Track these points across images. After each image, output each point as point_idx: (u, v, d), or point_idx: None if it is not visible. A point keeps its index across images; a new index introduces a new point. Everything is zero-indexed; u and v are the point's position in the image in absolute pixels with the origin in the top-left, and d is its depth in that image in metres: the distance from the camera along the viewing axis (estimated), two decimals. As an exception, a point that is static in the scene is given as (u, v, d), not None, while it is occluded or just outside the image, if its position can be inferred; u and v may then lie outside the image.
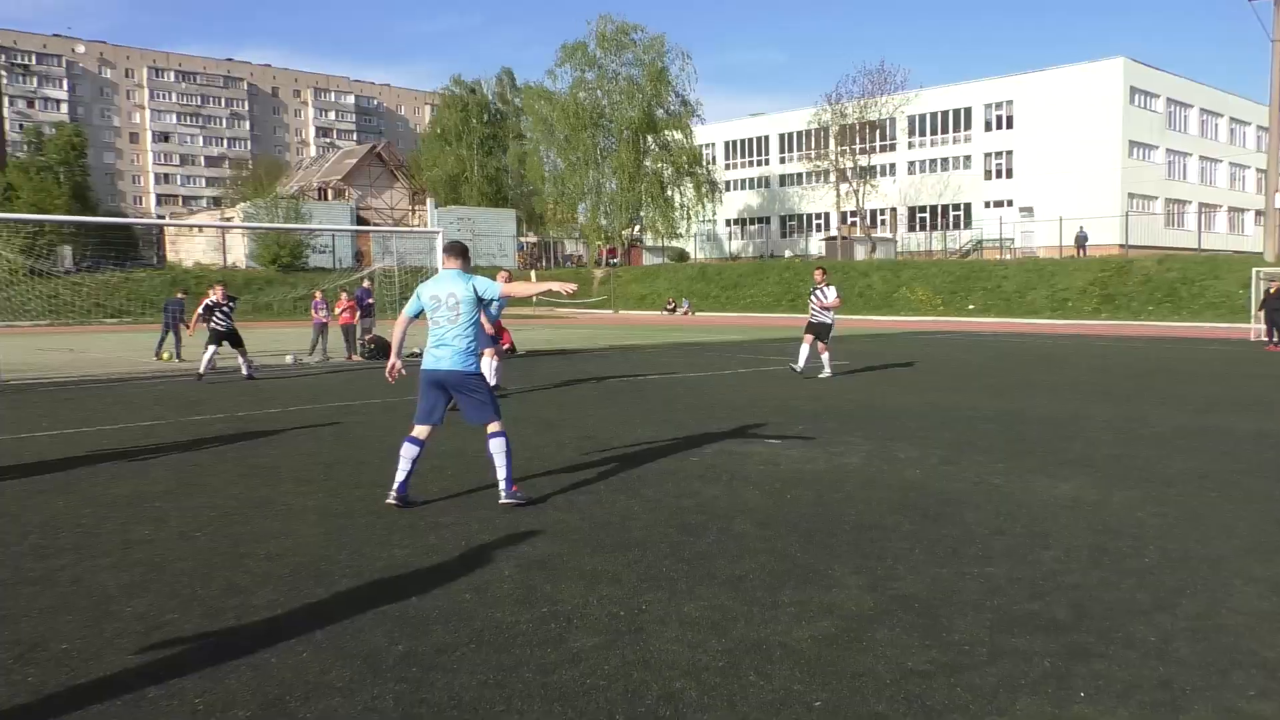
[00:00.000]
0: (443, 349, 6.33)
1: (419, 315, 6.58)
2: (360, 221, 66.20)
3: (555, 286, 6.87)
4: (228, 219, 65.74)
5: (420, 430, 6.46)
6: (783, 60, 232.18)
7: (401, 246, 33.68)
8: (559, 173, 66.41)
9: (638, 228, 69.23)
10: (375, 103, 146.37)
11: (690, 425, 10.10)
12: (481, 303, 6.39)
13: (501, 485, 6.38)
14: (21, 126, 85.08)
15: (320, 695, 3.48)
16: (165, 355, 20.08)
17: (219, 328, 15.91)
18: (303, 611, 4.38)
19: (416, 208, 74.03)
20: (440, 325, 6.35)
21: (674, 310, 50.82)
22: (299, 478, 7.45)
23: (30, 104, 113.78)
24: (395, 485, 6.36)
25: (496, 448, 6.35)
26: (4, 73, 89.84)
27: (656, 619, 4.23)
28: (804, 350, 15.20)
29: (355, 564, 5.13)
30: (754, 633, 4.06)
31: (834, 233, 63.24)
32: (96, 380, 15.75)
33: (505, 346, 18.24)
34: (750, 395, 12.98)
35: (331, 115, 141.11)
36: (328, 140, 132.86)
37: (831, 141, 61.41)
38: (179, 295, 21.27)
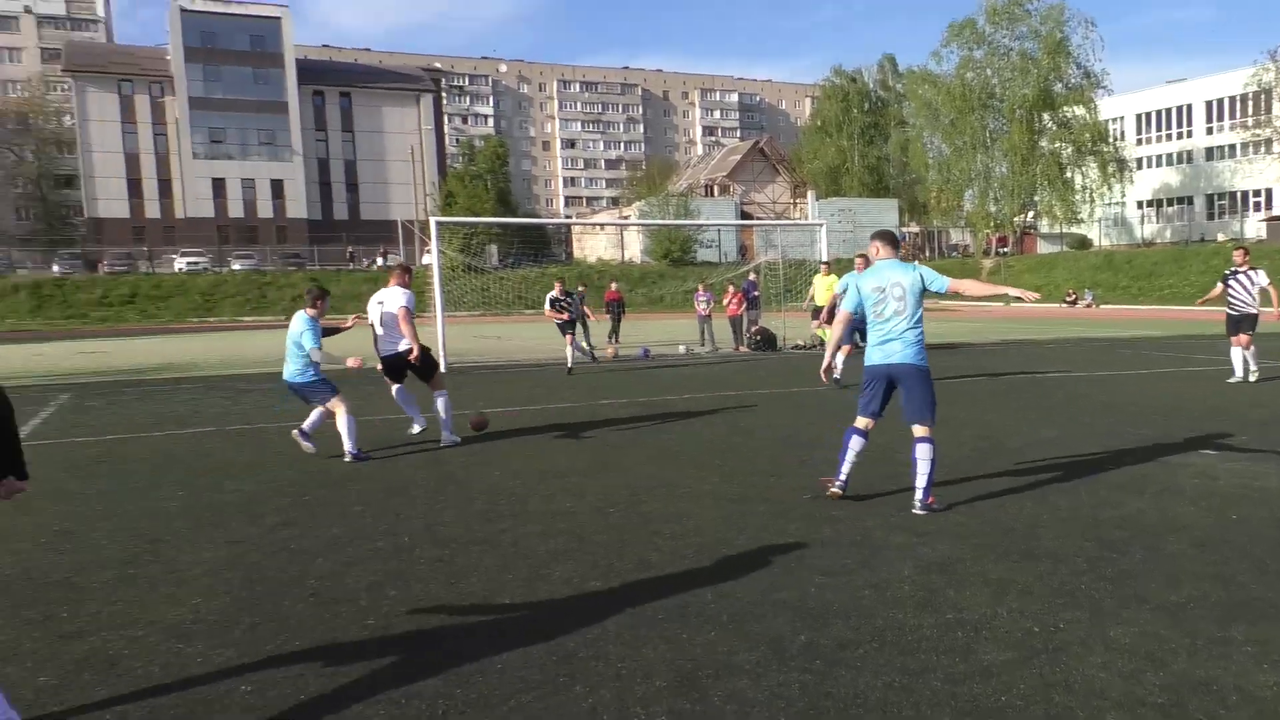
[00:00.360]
0: (892, 343, 6.11)
1: (858, 310, 6.37)
2: (744, 216, 68.14)
3: (1014, 292, 6.43)
4: (625, 217, 70.80)
5: (862, 421, 6.34)
6: (1209, 17, 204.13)
7: (784, 240, 34.11)
8: (944, 159, 63.71)
9: (1031, 214, 64.53)
10: (758, 99, 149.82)
11: (1100, 428, 9.21)
12: (926, 293, 6.13)
13: (919, 493, 6.07)
14: (457, 141, 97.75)
15: (729, 675, 3.61)
16: (606, 346, 21.14)
17: (561, 318, 16.96)
18: (707, 592, 4.58)
19: (798, 201, 74.74)
20: (885, 318, 6.11)
21: (1074, 303, 46.69)
22: (697, 463, 7.82)
23: (464, 120, 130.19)
24: (839, 475, 6.31)
25: (923, 453, 6.05)
26: (444, 94, 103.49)
27: (1078, 640, 3.89)
28: (1240, 356, 12.79)
29: (753, 549, 5.27)
30: (1200, 670, 3.59)
31: (1278, 212, 54.55)
32: (519, 365, 17.68)
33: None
34: (1172, 397, 11.56)
35: (716, 114, 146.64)
36: (713, 139, 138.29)
37: (1276, 105, 52.96)
38: (580, 289, 23.19)
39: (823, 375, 6.78)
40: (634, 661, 3.76)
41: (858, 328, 13.07)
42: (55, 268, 53.84)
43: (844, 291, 13.45)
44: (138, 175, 71.16)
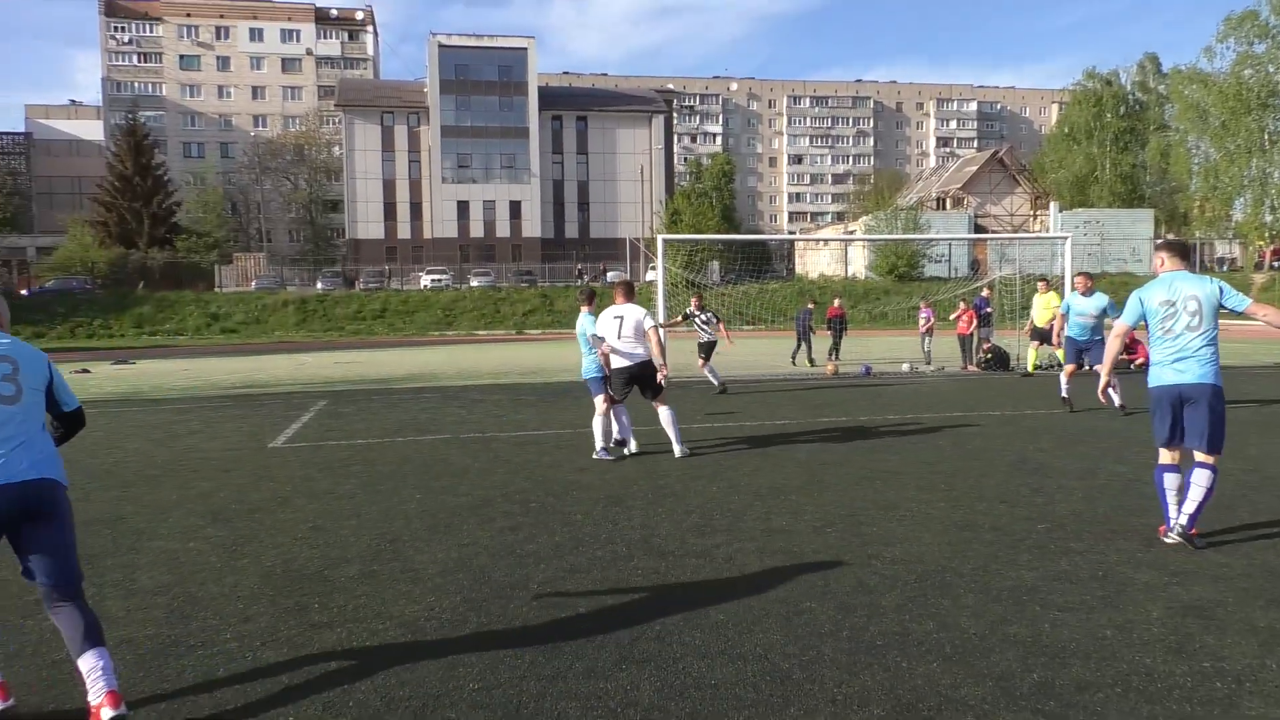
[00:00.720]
0: (1185, 360, 5.57)
1: (1138, 324, 5.86)
2: (978, 229, 65.11)
3: None
4: (850, 232, 69.44)
5: (1167, 456, 5.68)
6: None
7: (1021, 254, 32.29)
8: (1211, 164, 58.11)
9: (1314, 224, 57.71)
10: (998, 107, 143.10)
11: (1401, 466, 8.05)
12: (1222, 310, 5.56)
13: (1184, 519, 5.52)
14: (685, 159, 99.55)
15: (952, 709, 3.42)
16: (827, 363, 20.69)
17: (700, 338, 16.61)
18: (929, 620, 4.37)
19: (1038, 213, 70.57)
20: (1175, 334, 5.58)
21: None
22: (921, 485, 7.51)
23: (693, 139, 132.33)
24: (1168, 520, 5.69)
25: (1202, 479, 5.47)
26: (675, 114, 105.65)
27: (1367, 706, 3.40)
28: None
29: (980, 579, 4.99)
30: None
31: None
32: (738, 380, 17.67)
33: (1139, 360, 16.50)
34: None
35: (952, 124, 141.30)
36: (948, 150, 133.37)
37: None
38: (809, 305, 22.91)
39: (1100, 396, 6.30)
40: (850, 687, 3.64)
41: (1082, 348, 12.22)
42: (319, 285, 59.32)
43: (1066, 312, 12.60)
44: (393, 199, 77.17)
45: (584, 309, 9.75)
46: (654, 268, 20.49)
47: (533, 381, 18.47)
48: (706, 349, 16.50)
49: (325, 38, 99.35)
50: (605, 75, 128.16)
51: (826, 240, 65.93)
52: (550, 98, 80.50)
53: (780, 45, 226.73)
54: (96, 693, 3.38)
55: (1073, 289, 13.14)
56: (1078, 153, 71.21)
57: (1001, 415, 11.90)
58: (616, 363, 9.08)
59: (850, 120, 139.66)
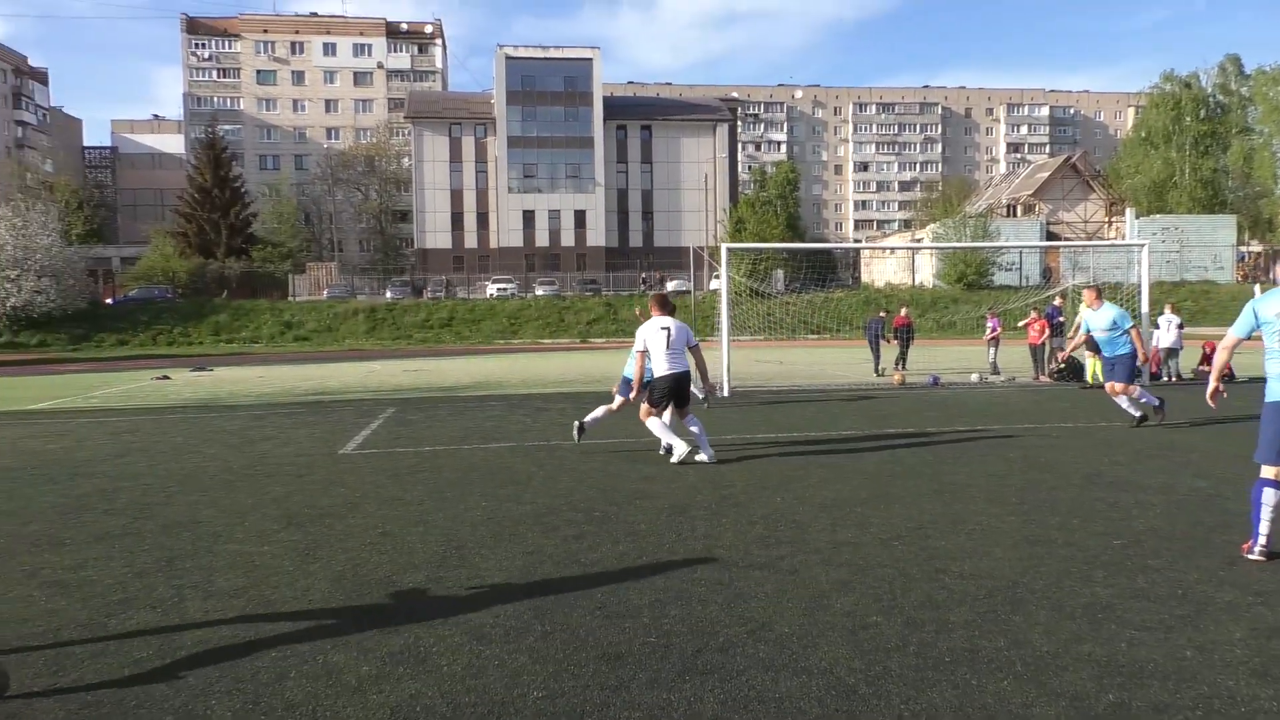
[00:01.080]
0: None
1: (1251, 335, 5.71)
2: (1050, 237, 63.73)
3: None
4: (917, 240, 68.49)
5: (1273, 470, 5.44)
6: None
7: (1096, 261, 31.51)
8: (1298, 167, 56.15)
9: None
10: (1071, 111, 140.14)
11: None
12: None
13: (1262, 541, 5.39)
14: (749, 167, 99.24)
15: (1023, 731, 3.35)
16: (894, 373, 19.94)
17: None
18: (1000, 636, 4.28)
19: (1113, 219, 68.83)
20: None
21: None
22: (990, 498, 7.36)
23: (757, 147, 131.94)
24: (1256, 538, 5.46)
25: None
26: (740, 123, 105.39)
27: None
28: None
29: (1053, 596, 4.87)
30: None
31: None
32: (802, 390, 17.54)
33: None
34: None
35: (1024, 129, 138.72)
36: (1018, 155, 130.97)
37: None
38: (880, 314, 22.67)
39: (1210, 401, 6.12)
40: (918, 704, 3.58)
41: (1109, 364, 11.79)
42: (388, 294, 60.45)
43: (1088, 329, 12.22)
44: (460, 209, 78.32)
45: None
46: (717, 276, 20.44)
47: (597, 390, 18.55)
48: None
49: (396, 51, 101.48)
50: (670, 84, 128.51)
51: (893, 248, 65.09)
52: (615, 107, 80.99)
53: (846, 52, 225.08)
54: None
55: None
56: (1155, 157, 69.36)
57: (1074, 427, 11.62)
58: (662, 370, 9.27)
59: (918, 127, 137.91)
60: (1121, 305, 16.29)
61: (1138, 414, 11.45)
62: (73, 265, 50.64)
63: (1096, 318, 11.83)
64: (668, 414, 9.62)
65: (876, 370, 21.24)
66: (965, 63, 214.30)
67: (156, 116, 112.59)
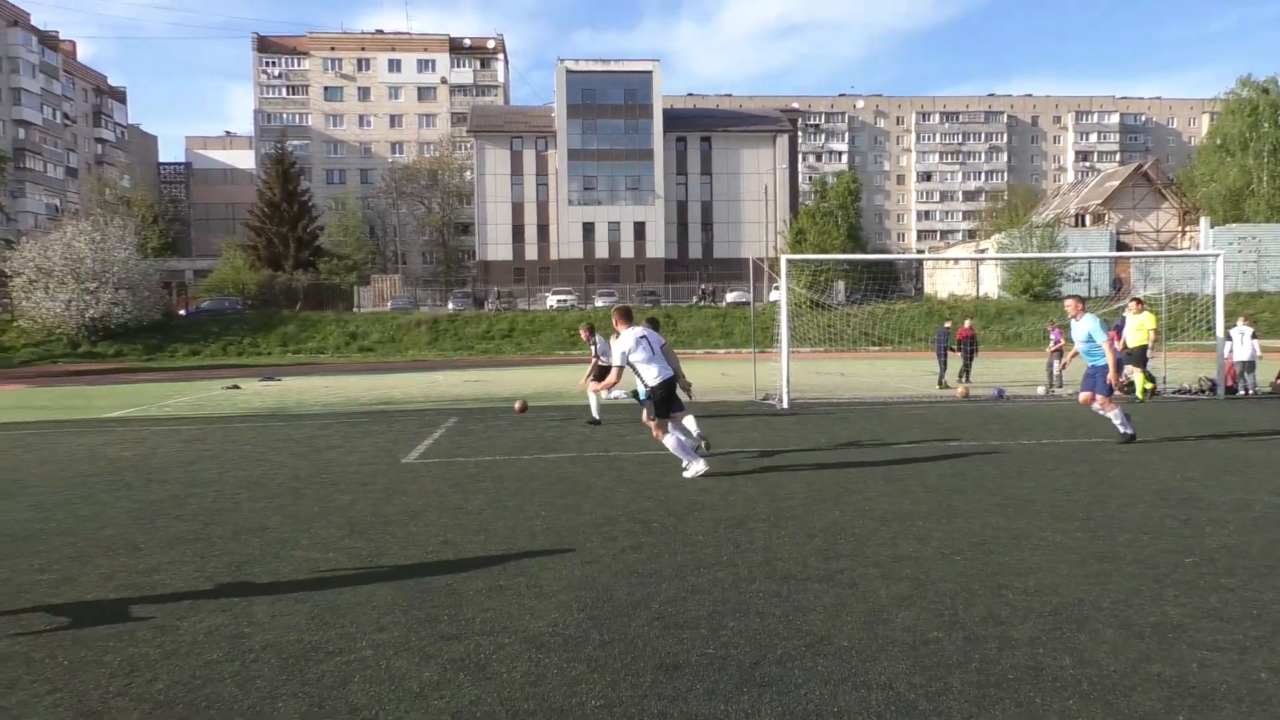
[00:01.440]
0: None
1: None
2: (1120, 247, 62.22)
3: None
4: (981, 251, 67.37)
5: None
6: None
7: (1168, 272, 30.70)
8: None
9: None
10: (1142, 119, 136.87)
11: None
12: None
13: None
14: (810, 178, 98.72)
15: (1088, 751, 3.28)
16: (957, 385, 19.64)
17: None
18: (1065, 655, 4.20)
19: (1187, 228, 66.98)
20: None
21: None
22: (1056, 513, 7.21)
23: (818, 158, 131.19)
24: None
25: None
26: (800, 133, 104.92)
27: None
28: None
29: (1121, 614, 4.76)
30: None
31: None
32: (862, 402, 17.36)
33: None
34: None
35: (1093, 137, 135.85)
36: (1087, 164, 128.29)
37: None
38: (946, 325, 22.39)
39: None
40: (978, 723, 3.53)
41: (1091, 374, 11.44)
42: (450, 305, 61.28)
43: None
44: (521, 222, 79.13)
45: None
46: (777, 288, 20.37)
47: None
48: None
49: (459, 66, 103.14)
50: (729, 96, 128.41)
51: (957, 259, 64.11)
52: (675, 119, 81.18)
53: (908, 61, 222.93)
54: None
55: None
56: (1231, 165, 67.29)
57: (1144, 443, 11.31)
58: (653, 378, 9.28)
59: (982, 136, 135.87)
60: (1195, 317, 15.91)
61: (1127, 431, 11.19)
62: (148, 278, 52.25)
63: (1076, 328, 11.51)
64: (691, 422, 10.11)
65: (940, 382, 20.93)
66: (1031, 71, 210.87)
67: (228, 133, 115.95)
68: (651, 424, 9.41)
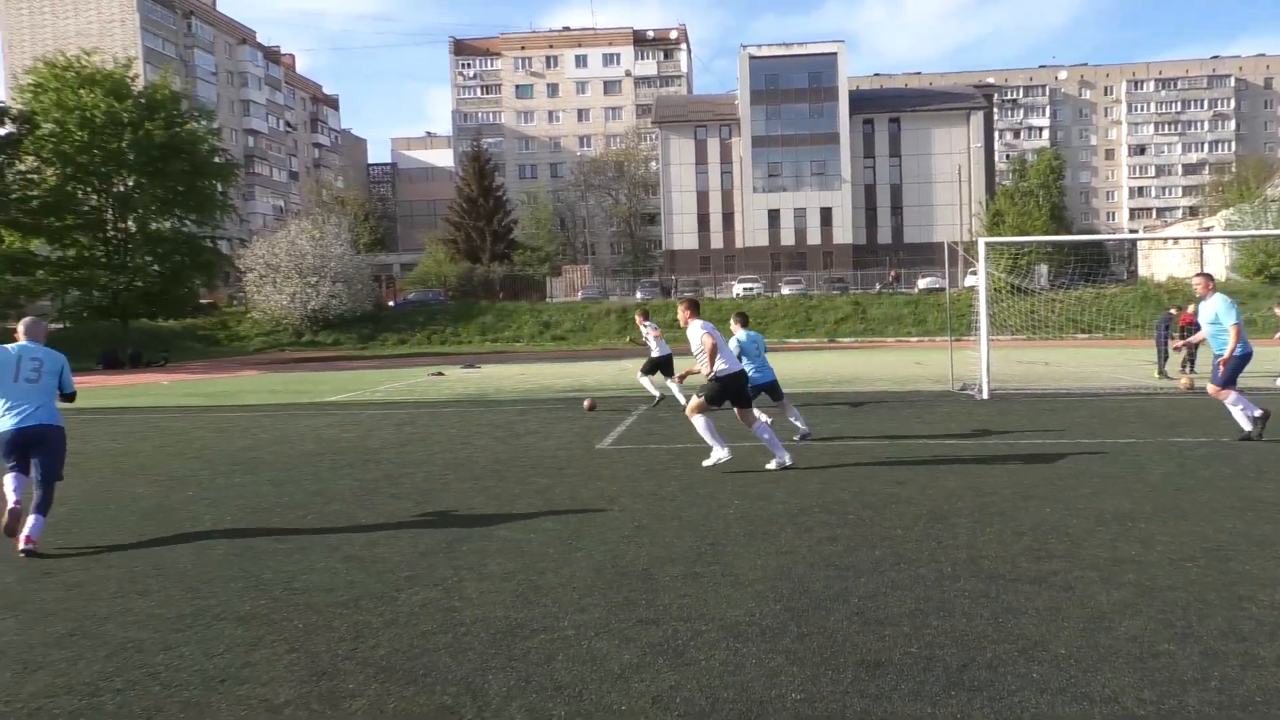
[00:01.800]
0: None
1: None
2: (1372, 221, 55.71)
3: None
4: (1206, 229, 62.03)
5: None
6: None
7: None
8: None
9: None
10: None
11: None
12: None
13: None
14: (1008, 157, 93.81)
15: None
16: (1180, 376, 17.97)
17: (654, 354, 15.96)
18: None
19: None
20: None
21: None
22: (1303, 518, 6.53)
23: (1016, 135, 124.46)
24: None
25: None
26: (995, 110, 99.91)
27: None
28: None
29: (1389, 635, 4.24)
30: None
31: None
32: (1070, 393, 16.35)
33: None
34: None
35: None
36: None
37: None
38: (1170, 311, 20.85)
39: None
40: (1220, 745, 3.23)
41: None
42: (638, 294, 62.29)
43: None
44: (705, 210, 79.35)
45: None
46: (974, 272, 19.48)
47: (845, 390, 18.22)
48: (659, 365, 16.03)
49: (642, 58, 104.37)
50: (919, 74, 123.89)
51: (1176, 238, 59.33)
52: (861, 101, 79.11)
53: (1116, 27, 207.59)
54: (26, 530, 6.19)
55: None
56: None
57: None
58: (725, 368, 9.02)
59: (1205, 103, 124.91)
60: None
61: (1246, 426, 10.08)
62: (361, 272, 56.01)
63: (1204, 308, 10.32)
64: (757, 416, 9.71)
65: (1160, 372, 19.45)
66: (1262, 29, 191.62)
67: (429, 134, 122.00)
68: (692, 402, 9.13)
